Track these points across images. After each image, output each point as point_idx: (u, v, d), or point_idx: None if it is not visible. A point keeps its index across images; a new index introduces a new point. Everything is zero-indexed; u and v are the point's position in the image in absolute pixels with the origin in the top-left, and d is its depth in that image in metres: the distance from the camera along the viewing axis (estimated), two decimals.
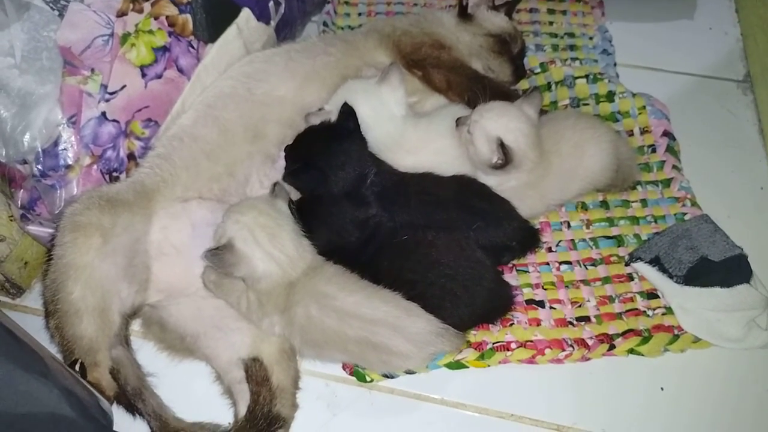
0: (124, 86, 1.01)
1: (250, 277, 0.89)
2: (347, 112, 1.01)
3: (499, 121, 1.00)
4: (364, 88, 1.06)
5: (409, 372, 0.97)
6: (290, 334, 0.91)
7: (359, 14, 1.49)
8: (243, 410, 0.92)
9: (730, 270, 1.00)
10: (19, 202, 1.00)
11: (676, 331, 0.99)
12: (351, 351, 0.89)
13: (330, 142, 1.00)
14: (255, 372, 0.92)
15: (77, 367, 0.84)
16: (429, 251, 0.95)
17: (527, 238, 1.03)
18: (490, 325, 1.00)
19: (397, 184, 1.01)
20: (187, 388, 0.97)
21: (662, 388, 0.97)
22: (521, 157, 1.01)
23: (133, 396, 0.91)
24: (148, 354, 0.99)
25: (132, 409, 0.92)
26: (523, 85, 1.30)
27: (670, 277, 1.02)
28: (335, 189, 0.98)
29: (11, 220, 1.05)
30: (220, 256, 0.87)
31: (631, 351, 0.98)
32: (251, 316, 0.92)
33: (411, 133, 1.06)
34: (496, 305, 0.99)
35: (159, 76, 1.04)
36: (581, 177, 1.09)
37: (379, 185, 0.99)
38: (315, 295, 0.88)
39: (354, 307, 0.87)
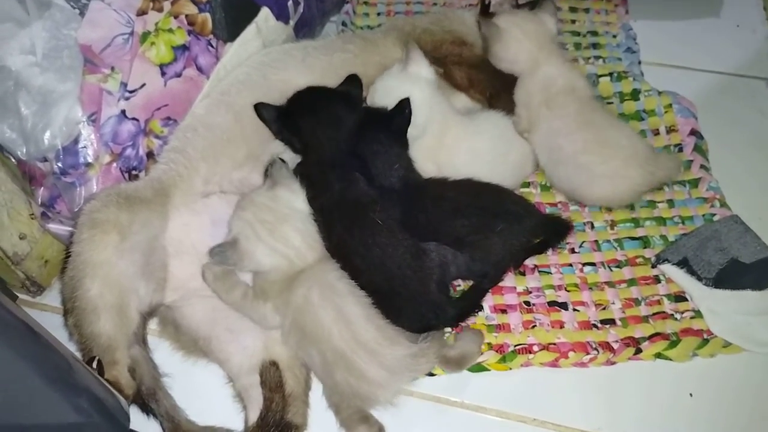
0: (144, 84, 1.01)
1: (258, 271, 0.89)
2: (404, 107, 0.98)
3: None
4: (393, 75, 1.06)
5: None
6: (283, 314, 0.88)
7: (378, 14, 1.47)
8: (253, 416, 0.90)
9: (762, 272, 0.97)
10: (40, 200, 1.01)
11: (705, 336, 0.96)
12: (326, 357, 0.85)
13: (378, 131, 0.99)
14: (270, 377, 0.91)
15: (95, 365, 0.84)
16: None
17: (554, 229, 1.02)
18: (512, 327, 0.98)
19: (418, 187, 0.99)
20: (201, 389, 0.96)
21: (691, 395, 0.94)
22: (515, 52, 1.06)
23: (147, 396, 0.90)
24: (163, 354, 0.98)
25: (146, 408, 0.91)
26: None
27: (699, 279, 0.99)
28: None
29: (32, 218, 1.05)
30: (224, 253, 0.87)
31: (659, 355, 0.95)
32: (246, 305, 0.91)
33: (452, 126, 1.05)
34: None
35: (178, 75, 1.04)
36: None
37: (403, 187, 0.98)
38: (323, 284, 0.87)
39: (354, 317, 0.85)
